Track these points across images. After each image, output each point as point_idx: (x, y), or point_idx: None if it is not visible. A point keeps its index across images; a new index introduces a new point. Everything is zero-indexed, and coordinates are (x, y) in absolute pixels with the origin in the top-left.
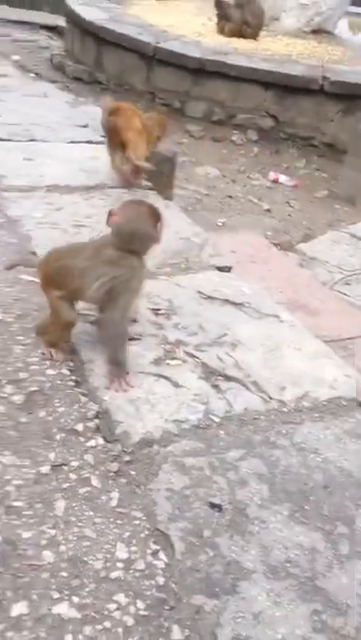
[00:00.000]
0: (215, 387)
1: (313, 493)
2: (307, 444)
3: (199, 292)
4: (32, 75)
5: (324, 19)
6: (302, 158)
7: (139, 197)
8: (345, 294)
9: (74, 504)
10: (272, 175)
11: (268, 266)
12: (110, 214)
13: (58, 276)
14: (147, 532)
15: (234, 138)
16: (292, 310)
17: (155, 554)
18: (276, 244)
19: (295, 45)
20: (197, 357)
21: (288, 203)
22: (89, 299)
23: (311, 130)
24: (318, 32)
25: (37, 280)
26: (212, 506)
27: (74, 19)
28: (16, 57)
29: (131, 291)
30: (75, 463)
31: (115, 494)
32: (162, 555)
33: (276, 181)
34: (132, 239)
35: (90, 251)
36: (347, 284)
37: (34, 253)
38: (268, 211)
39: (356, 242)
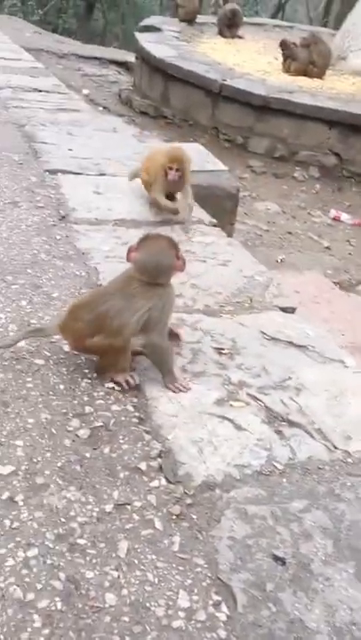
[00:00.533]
0: (278, 432)
1: None
2: None
3: (262, 333)
4: (100, 108)
5: None
6: None
7: (199, 232)
8: None
9: (136, 546)
10: (333, 213)
11: (331, 307)
12: (130, 250)
13: (94, 325)
14: (208, 581)
15: (295, 174)
16: (354, 354)
17: (217, 605)
18: (336, 283)
19: None
20: (261, 400)
21: (349, 241)
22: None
23: None
24: None
25: (66, 342)
26: (276, 558)
27: (143, 55)
28: (86, 91)
29: (165, 315)
30: (138, 503)
31: (176, 538)
32: (224, 607)
33: (337, 219)
34: (157, 272)
35: (117, 292)
36: None
37: (100, 285)
38: (328, 248)
39: None
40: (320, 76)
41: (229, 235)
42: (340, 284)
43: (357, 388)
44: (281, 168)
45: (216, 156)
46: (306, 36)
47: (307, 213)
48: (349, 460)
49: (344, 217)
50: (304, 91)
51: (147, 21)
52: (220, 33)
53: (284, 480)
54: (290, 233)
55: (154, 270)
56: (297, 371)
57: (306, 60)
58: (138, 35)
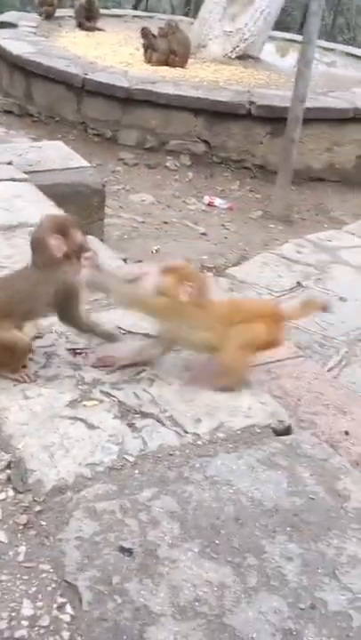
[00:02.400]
0: (131, 425)
1: (224, 527)
2: (220, 476)
3: (119, 328)
4: None
5: (249, 45)
6: (236, 181)
7: None
8: None
9: None
10: (207, 199)
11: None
12: None
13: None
14: (54, 585)
15: (168, 164)
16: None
17: (61, 607)
18: (210, 268)
19: (222, 72)
20: (114, 396)
21: (224, 225)
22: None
23: (242, 153)
24: (244, 57)
25: None
26: (123, 550)
27: (1, 53)
28: None
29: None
30: None
31: (22, 548)
32: (68, 607)
33: (211, 205)
34: (32, 249)
35: (21, 277)
36: None
37: None
38: (205, 234)
39: (285, 262)
40: (182, 64)
41: (100, 230)
42: (216, 268)
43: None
44: (153, 159)
45: (86, 150)
46: (163, 26)
47: (182, 202)
48: (199, 442)
49: (218, 202)
50: (167, 80)
51: (2, 17)
52: (79, 25)
53: (136, 472)
54: (166, 222)
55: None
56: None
57: (166, 49)
58: None
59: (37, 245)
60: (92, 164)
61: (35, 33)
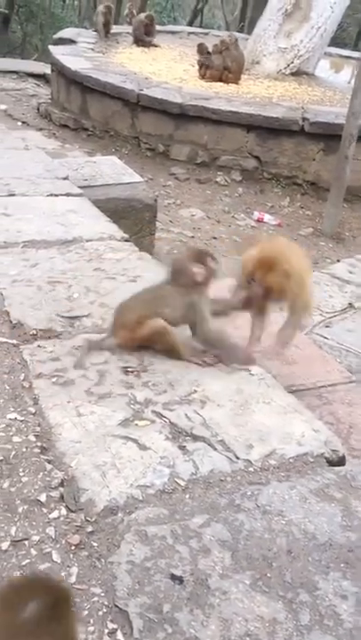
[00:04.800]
0: (182, 447)
1: (276, 559)
2: (272, 505)
3: None
4: (19, 123)
5: (304, 61)
6: (286, 197)
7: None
8: (325, 337)
9: None
10: (256, 215)
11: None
12: None
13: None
14: (105, 610)
15: (218, 179)
16: (268, 359)
17: (112, 633)
18: None
19: (276, 88)
20: (165, 417)
21: None
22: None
23: (294, 169)
24: (299, 74)
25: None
26: (173, 578)
27: (59, 68)
28: (4, 106)
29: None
30: (36, 537)
31: (74, 569)
32: (119, 634)
33: (260, 221)
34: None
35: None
36: (327, 326)
37: (7, 313)
38: None
39: (337, 283)
40: (235, 81)
41: (151, 244)
42: None
43: (261, 395)
44: (204, 174)
45: (139, 165)
46: (217, 43)
47: (231, 217)
48: (251, 468)
49: (267, 218)
50: (220, 96)
51: (61, 34)
52: (137, 42)
53: (187, 496)
54: (215, 238)
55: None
56: (203, 383)
57: (220, 66)
58: (52, 48)
59: (180, 269)
60: (144, 178)
61: (92, 49)
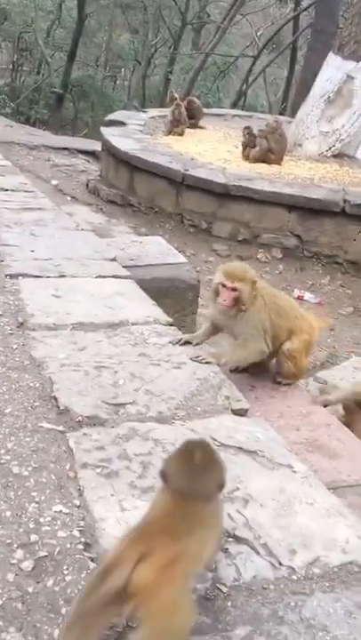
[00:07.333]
0: (225, 550)
1: None
2: (316, 619)
3: (213, 439)
4: (69, 198)
5: (345, 144)
6: (327, 275)
7: (155, 333)
8: None
9: None
10: (297, 292)
11: (287, 401)
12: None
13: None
14: None
15: (259, 256)
16: (309, 451)
17: None
18: None
19: (318, 169)
20: None
21: None
22: None
23: (334, 248)
24: (340, 156)
25: None
26: None
27: (109, 148)
28: (55, 181)
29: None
30: None
31: None
32: None
33: (300, 298)
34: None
35: None
36: None
37: (55, 398)
38: None
39: None
40: (278, 162)
41: (193, 323)
42: None
43: (304, 495)
44: (245, 250)
45: (181, 240)
46: (264, 127)
47: None
48: (294, 576)
49: (307, 296)
50: (263, 177)
51: (112, 116)
52: (169, 133)
53: (229, 604)
54: None
55: None
56: (245, 480)
57: (264, 147)
58: (103, 129)
59: None
60: (187, 253)
61: (141, 131)
